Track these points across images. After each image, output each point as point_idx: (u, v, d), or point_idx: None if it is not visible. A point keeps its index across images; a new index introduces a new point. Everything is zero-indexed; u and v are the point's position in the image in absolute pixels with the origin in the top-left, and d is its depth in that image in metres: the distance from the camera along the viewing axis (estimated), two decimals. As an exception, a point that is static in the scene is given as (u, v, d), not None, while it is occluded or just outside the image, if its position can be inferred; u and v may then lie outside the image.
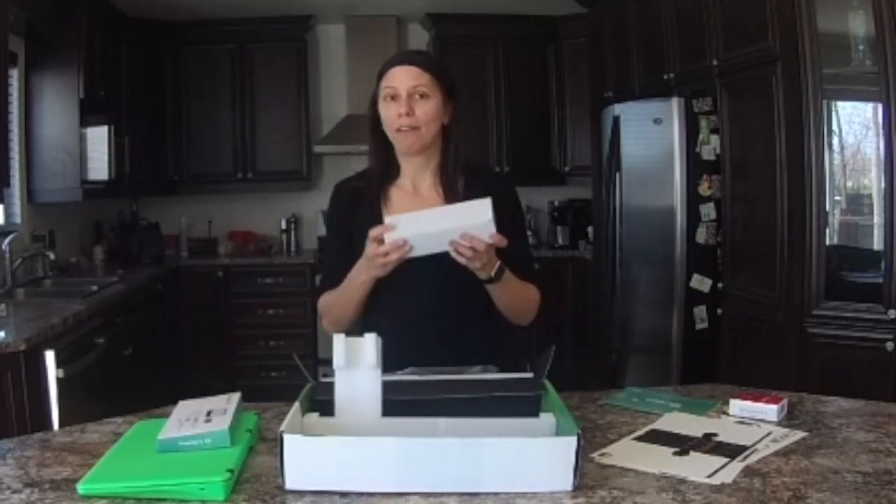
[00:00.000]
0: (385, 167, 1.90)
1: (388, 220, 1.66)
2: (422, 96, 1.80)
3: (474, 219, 1.61)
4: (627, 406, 1.72)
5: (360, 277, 1.75)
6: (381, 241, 1.64)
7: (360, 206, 1.89)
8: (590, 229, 5.30)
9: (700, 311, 3.70)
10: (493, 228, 1.61)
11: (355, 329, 1.81)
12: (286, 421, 1.29)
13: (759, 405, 1.61)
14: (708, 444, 1.46)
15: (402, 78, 1.80)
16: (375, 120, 1.87)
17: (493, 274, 1.71)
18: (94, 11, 4.52)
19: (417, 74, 1.80)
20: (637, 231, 4.06)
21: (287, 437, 1.23)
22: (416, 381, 1.57)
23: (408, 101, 1.79)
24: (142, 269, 4.78)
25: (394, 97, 1.81)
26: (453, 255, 1.64)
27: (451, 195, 1.86)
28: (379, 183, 1.90)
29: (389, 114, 1.81)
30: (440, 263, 1.66)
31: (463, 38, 5.59)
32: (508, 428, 1.35)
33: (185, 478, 1.24)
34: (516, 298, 1.85)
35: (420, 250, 1.65)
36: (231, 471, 1.26)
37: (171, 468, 1.28)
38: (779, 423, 1.57)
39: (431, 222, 1.64)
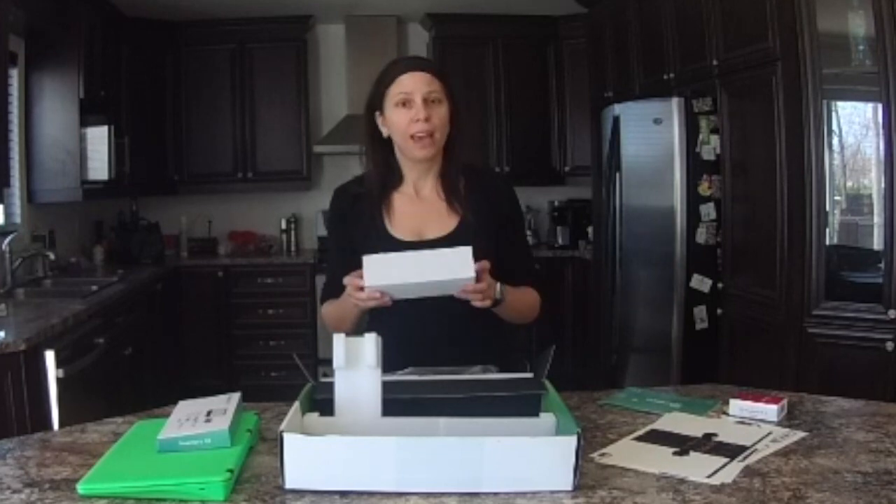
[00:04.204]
0: (386, 173, 1.89)
1: (365, 260, 1.63)
2: (435, 101, 1.80)
3: (455, 273, 1.60)
4: (627, 406, 1.72)
5: (348, 305, 1.74)
6: (360, 287, 1.64)
7: (361, 212, 1.88)
8: (590, 229, 5.30)
9: (700, 311, 3.70)
10: (472, 279, 1.61)
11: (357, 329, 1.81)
12: (286, 421, 1.29)
13: (759, 405, 1.61)
14: (708, 444, 1.46)
15: (416, 84, 1.79)
16: (373, 126, 1.86)
17: (497, 297, 1.73)
18: (94, 11, 4.52)
19: (430, 80, 1.80)
20: (637, 231, 4.06)
21: (287, 437, 1.24)
22: (416, 381, 1.57)
23: (423, 106, 1.77)
24: (142, 269, 4.78)
25: (406, 103, 1.79)
26: (457, 296, 1.65)
27: (454, 197, 1.86)
28: (380, 189, 1.89)
29: (402, 120, 1.79)
30: None
31: (463, 38, 5.60)
32: (508, 428, 1.35)
33: (185, 478, 1.24)
34: (519, 307, 1.86)
35: (399, 296, 1.65)
36: (231, 471, 1.26)
37: (171, 468, 1.28)
38: (779, 423, 1.57)
39: (410, 272, 1.61)
